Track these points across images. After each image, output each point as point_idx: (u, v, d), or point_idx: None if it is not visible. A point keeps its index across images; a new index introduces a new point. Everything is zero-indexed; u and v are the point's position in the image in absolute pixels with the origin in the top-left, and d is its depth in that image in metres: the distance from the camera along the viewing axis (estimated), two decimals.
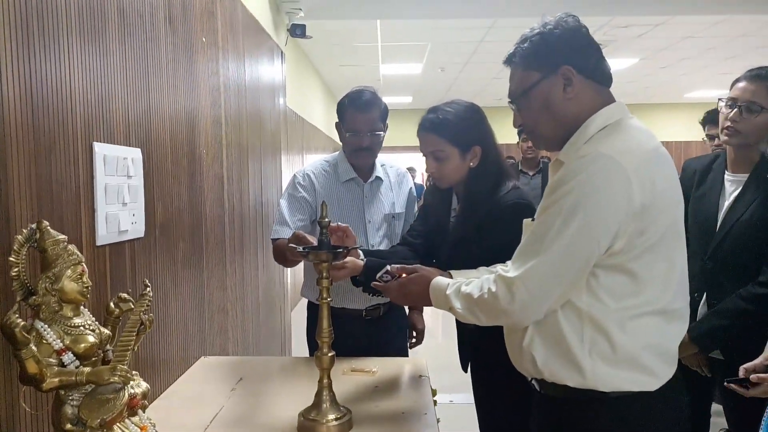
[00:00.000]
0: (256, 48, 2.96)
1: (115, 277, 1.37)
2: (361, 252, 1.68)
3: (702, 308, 1.81)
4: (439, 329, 5.39)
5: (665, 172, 1.08)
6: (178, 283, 1.79)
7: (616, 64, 7.44)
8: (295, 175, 2.04)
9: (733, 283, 1.69)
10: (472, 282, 1.19)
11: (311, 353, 2.07)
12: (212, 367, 1.86)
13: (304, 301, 2.13)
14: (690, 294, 1.90)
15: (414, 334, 2.19)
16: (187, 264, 1.86)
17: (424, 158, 1.71)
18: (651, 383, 1.10)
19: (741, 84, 1.72)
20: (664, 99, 10.52)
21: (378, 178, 2.05)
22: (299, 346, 3.74)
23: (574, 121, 1.14)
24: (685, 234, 1.94)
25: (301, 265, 2.08)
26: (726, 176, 1.81)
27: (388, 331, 2.05)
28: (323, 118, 8.50)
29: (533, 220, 1.17)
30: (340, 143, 2.05)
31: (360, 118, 1.91)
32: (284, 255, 1.86)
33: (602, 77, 1.17)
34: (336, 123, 2.01)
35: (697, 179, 1.88)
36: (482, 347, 1.64)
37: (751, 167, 1.73)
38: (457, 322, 1.61)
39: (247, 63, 2.73)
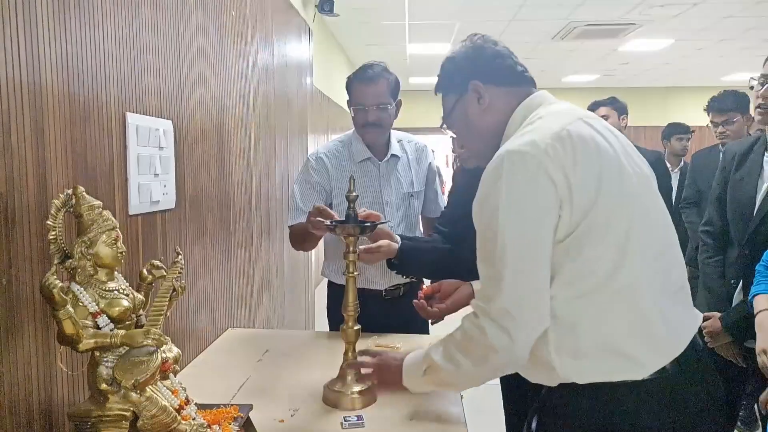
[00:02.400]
0: (285, 24, 2.95)
1: (147, 246, 1.40)
2: (397, 236, 1.67)
3: (738, 295, 1.77)
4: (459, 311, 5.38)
5: (581, 149, 1.01)
6: (207, 256, 1.81)
7: (650, 45, 7.23)
8: (308, 158, 1.99)
9: None
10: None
11: (332, 330, 2.09)
12: (239, 338, 1.89)
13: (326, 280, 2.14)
14: (727, 281, 1.87)
15: None
16: (215, 237, 1.88)
17: (450, 138, 1.69)
18: (635, 372, 1.01)
19: None
20: (700, 82, 10.19)
21: (394, 156, 1.97)
22: (322, 323, 3.79)
23: (497, 129, 1.18)
24: (725, 220, 1.89)
25: (322, 244, 2.07)
26: (765, 158, 1.75)
27: (408, 310, 2.05)
28: None
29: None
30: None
31: (365, 90, 1.85)
32: (303, 237, 1.83)
33: (514, 79, 1.20)
34: (347, 101, 1.95)
35: (737, 163, 1.84)
36: None
37: None
38: None
39: (276, 39, 2.72)
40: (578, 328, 1.02)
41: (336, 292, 2.03)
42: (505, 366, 1.07)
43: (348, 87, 1.91)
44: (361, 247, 1.43)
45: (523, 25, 6.22)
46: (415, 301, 1.45)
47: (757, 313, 1.52)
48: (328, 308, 2.13)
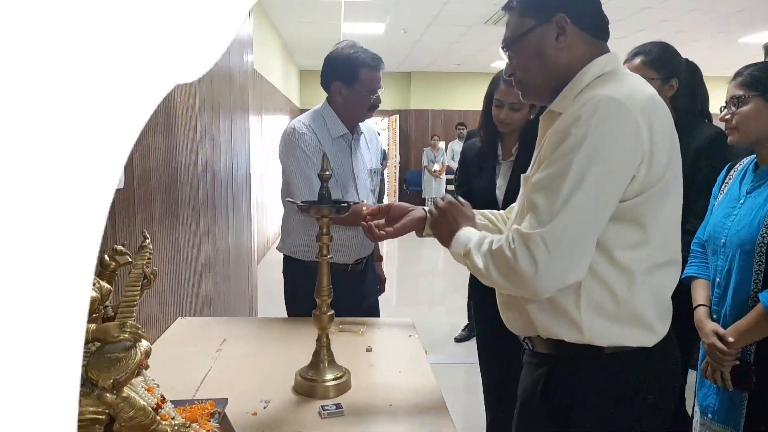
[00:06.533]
0: None
1: None
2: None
3: None
4: (416, 294, 5.42)
5: (663, 117, 1.05)
6: (156, 240, 1.68)
7: None
8: (294, 128, 1.89)
9: None
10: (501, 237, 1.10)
11: (289, 314, 2.01)
12: (191, 327, 1.77)
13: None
14: None
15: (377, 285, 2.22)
16: (163, 220, 1.75)
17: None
18: (649, 339, 1.08)
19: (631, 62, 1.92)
20: None
21: (361, 134, 2.05)
22: (263, 308, 3.67)
23: (564, 72, 1.11)
24: None
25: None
26: None
27: (365, 285, 2.07)
28: (281, 78, 8.23)
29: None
30: (324, 99, 1.97)
31: (377, 76, 1.93)
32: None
33: (597, 30, 1.13)
34: (346, 81, 1.90)
35: None
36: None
37: None
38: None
39: None
40: (619, 293, 1.04)
41: (300, 271, 1.93)
42: (525, 294, 1.07)
43: (355, 69, 1.89)
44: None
45: (458, 8, 6.26)
46: (362, 222, 1.36)
47: (696, 307, 1.61)
48: (286, 289, 2.03)
